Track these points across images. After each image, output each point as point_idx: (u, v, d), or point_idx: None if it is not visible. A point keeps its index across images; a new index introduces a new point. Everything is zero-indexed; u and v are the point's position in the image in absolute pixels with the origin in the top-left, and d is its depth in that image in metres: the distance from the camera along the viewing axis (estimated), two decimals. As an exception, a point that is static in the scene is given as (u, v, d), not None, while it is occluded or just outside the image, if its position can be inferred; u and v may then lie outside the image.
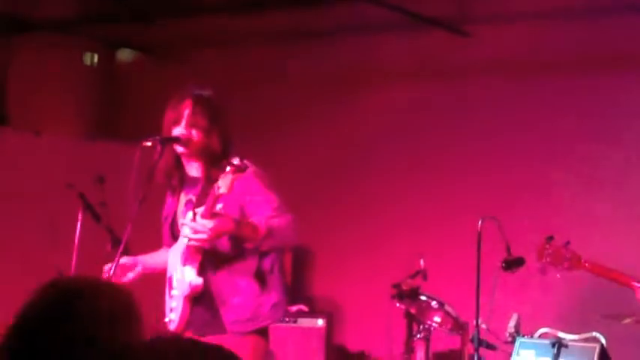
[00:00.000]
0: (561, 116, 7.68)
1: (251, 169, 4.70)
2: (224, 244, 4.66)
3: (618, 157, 7.45)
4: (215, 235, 4.52)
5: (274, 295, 4.78)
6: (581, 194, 7.56)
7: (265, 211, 4.65)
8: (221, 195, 4.46)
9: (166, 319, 4.80)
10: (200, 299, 4.71)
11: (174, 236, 4.82)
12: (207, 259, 4.69)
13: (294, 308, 7.76)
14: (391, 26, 8.20)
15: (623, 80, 7.45)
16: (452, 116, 8.08)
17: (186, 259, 4.71)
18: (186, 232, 4.60)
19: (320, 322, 7.66)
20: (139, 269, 4.84)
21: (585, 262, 5.83)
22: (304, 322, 7.65)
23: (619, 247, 7.29)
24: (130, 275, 4.82)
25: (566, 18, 7.66)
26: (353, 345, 7.96)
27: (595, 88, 7.56)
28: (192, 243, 4.60)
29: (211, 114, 4.73)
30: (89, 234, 6.11)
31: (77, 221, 6.15)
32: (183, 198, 4.84)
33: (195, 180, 4.77)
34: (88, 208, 6.17)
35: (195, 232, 4.51)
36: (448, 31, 7.91)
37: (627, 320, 5.89)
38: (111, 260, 4.66)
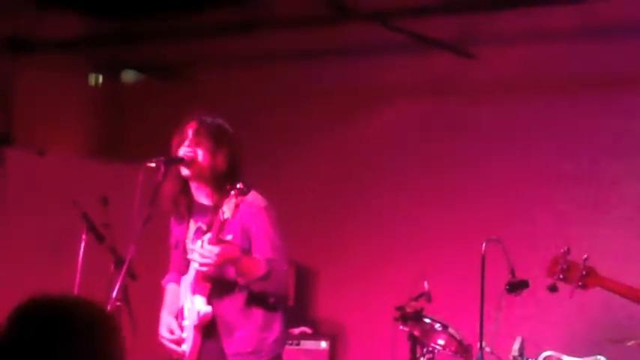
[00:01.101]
0: (568, 137, 7.67)
1: (262, 203, 4.71)
2: (232, 274, 4.65)
3: (626, 177, 7.43)
4: (221, 260, 4.51)
5: (276, 330, 4.76)
6: (588, 216, 7.53)
7: (265, 251, 4.64)
8: (226, 220, 4.46)
9: (179, 350, 4.77)
10: (210, 330, 4.69)
11: (188, 263, 4.80)
12: (215, 288, 4.68)
13: (297, 330, 7.74)
14: (398, 48, 8.21)
15: (631, 100, 7.45)
16: (457, 138, 8.07)
17: (195, 288, 4.70)
18: (194, 257, 4.59)
19: (323, 344, 7.63)
20: (178, 334, 4.79)
21: (604, 279, 5.57)
22: (308, 345, 7.62)
23: (628, 269, 7.26)
24: (177, 348, 4.79)
25: (571, 39, 7.66)
26: (356, 367, 7.93)
27: (603, 109, 7.55)
28: (200, 269, 4.59)
29: (217, 136, 4.72)
30: (92, 254, 6.09)
31: (81, 241, 6.14)
32: (192, 226, 4.83)
33: (204, 208, 4.75)
34: (92, 228, 6.16)
35: (202, 257, 4.52)
36: (454, 53, 7.92)
37: (632, 342, 5.87)
38: (114, 281, 4.64)
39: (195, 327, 4.67)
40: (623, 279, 7.16)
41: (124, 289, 4.73)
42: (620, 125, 7.50)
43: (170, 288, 4.97)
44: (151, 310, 4.95)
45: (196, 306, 4.67)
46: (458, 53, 7.91)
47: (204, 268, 4.57)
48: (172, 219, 4.94)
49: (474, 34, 7.90)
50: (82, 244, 6.13)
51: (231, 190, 4.43)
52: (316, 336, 7.80)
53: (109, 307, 4.37)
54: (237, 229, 4.64)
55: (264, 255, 4.62)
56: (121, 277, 4.57)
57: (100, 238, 6.13)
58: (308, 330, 7.88)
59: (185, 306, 4.76)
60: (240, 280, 4.62)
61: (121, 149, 9.23)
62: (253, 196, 4.68)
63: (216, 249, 4.48)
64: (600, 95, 7.57)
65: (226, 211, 4.44)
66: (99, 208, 6.23)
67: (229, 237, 4.61)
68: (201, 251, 4.51)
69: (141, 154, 4.86)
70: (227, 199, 4.44)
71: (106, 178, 7.58)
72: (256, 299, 4.68)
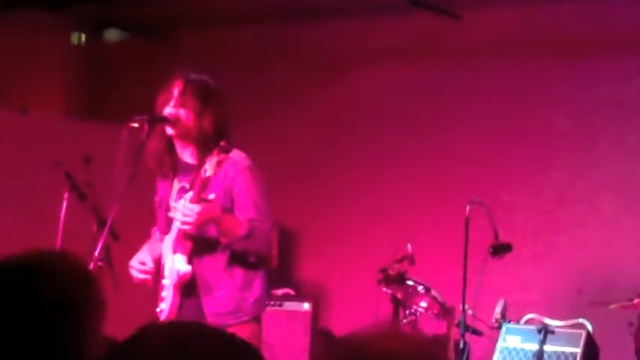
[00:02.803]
0: (552, 100, 7.66)
1: (246, 162, 4.68)
2: (212, 233, 4.63)
3: (609, 141, 7.43)
4: (202, 219, 4.49)
5: (257, 290, 4.74)
6: (571, 179, 7.54)
7: (249, 212, 4.62)
8: (208, 178, 4.44)
9: (157, 309, 4.76)
10: (189, 289, 4.68)
11: (170, 223, 4.78)
12: (196, 247, 4.67)
13: (280, 292, 7.74)
14: (382, 8, 8.17)
15: (617, 63, 7.43)
16: (441, 100, 8.05)
17: (176, 247, 4.68)
18: (175, 215, 4.57)
19: (306, 305, 7.64)
20: (150, 266, 4.76)
21: None
22: (290, 306, 7.63)
23: (610, 232, 7.29)
24: (144, 276, 4.75)
25: (557, 1, 7.63)
26: (339, 329, 7.93)
27: (586, 71, 7.54)
28: (181, 226, 4.58)
29: (203, 96, 4.68)
30: (75, 214, 6.07)
31: (63, 201, 6.11)
32: (176, 184, 4.80)
33: (189, 167, 4.72)
34: (74, 187, 6.12)
35: (184, 215, 4.50)
36: (439, 14, 7.87)
37: (613, 306, 5.90)
38: (96, 241, 4.61)
39: (175, 286, 4.66)
40: (609, 237, 7.22)
41: (106, 249, 4.71)
42: (606, 87, 7.49)
43: (157, 235, 4.95)
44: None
45: (176, 265, 4.65)
46: (443, 14, 7.87)
47: (186, 227, 4.56)
48: (158, 177, 4.91)
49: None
50: (64, 204, 6.11)
51: (215, 148, 4.42)
52: (299, 297, 7.81)
53: (90, 267, 4.35)
54: (220, 188, 4.62)
55: (246, 215, 4.61)
56: (103, 237, 4.54)
57: (82, 197, 6.10)
58: (291, 291, 7.89)
59: (166, 265, 4.74)
60: (222, 240, 4.60)
61: (104, 109, 9.17)
62: (238, 155, 4.66)
63: (197, 207, 4.46)
64: (588, 56, 7.55)
65: (208, 169, 4.42)
66: (82, 168, 6.20)
67: (212, 196, 4.59)
68: (182, 209, 4.49)
69: (124, 114, 4.81)
70: (209, 157, 4.43)
71: (89, 137, 7.52)
72: (237, 259, 4.67)
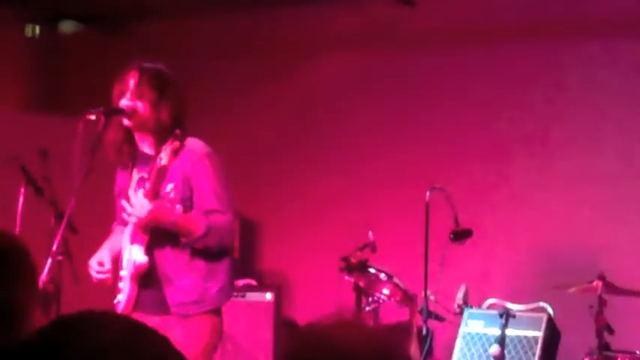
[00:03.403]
0: (509, 85, 7.68)
1: (204, 150, 4.63)
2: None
3: (569, 124, 7.47)
4: (150, 218, 4.44)
5: (221, 279, 4.71)
6: (532, 164, 7.57)
7: (211, 203, 4.57)
8: (163, 167, 4.40)
9: (115, 301, 4.72)
10: (149, 279, 4.63)
11: None
12: (156, 238, 4.62)
13: (242, 282, 7.71)
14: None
15: (573, 48, 7.47)
16: (399, 86, 8.06)
17: (133, 238, 4.63)
18: (126, 207, 4.52)
19: (268, 295, 7.61)
20: (107, 267, 4.70)
21: None
22: (252, 297, 7.60)
23: (569, 215, 7.34)
24: (102, 276, 4.69)
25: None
26: (302, 318, 7.93)
27: (544, 57, 7.57)
28: (129, 219, 4.53)
29: (160, 86, 4.63)
30: (32, 208, 6.01)
31: (19, 195, 6.05)
32: (135, 175, 4.75)
33: (148, 157, 4.67)
34: (31, 181, 6.06)
35: (133, 207, 4.45)
36: (393, 0, 7.87)
37: (573, 289, 5.93)
38: (54, 235, 4.57)
39: (132, 277, 4.61)
40: (568, 221, 7.27)
41: (64, 243, 4.67)
42: (562, 73, 7.53)
43: (118, 229, 4.90)
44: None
45: (133, 256, 4.61)
46: (397, 1, 7.87)
47: (133, 219, 4.51)
48: (118, 168, 4.86)
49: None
50: (21, 198, 6.05)
51: (169, 137, 4.39)
52: (261, 288, 7.78)
53: (50, 261, 4.31)
54: (179, 177, 4.57)
55: (208, 206, 4.56)
56: (61, 231, 4.49)
57: (39, 191, 6.04)
58: (253, 282, 7.86)
59: (124, 256, 4.70)
60: (182, 239, 4.55)
61: (60, 102, 9.08)
62: (195, 143, 4.61)
63: (148, 205, 4.41)
64: (546, 42, 7.58)
65: (163, 157, 4.38)
66: (38, 162, 6.14)
67: (170, 186, 4.53)
68: (134, 202, 4.45)
69: (81, 106, 4.76)
70: (165, 146, 4.39)
71: (45, 130, 7.45)
72: (199, 250, 4.63)
